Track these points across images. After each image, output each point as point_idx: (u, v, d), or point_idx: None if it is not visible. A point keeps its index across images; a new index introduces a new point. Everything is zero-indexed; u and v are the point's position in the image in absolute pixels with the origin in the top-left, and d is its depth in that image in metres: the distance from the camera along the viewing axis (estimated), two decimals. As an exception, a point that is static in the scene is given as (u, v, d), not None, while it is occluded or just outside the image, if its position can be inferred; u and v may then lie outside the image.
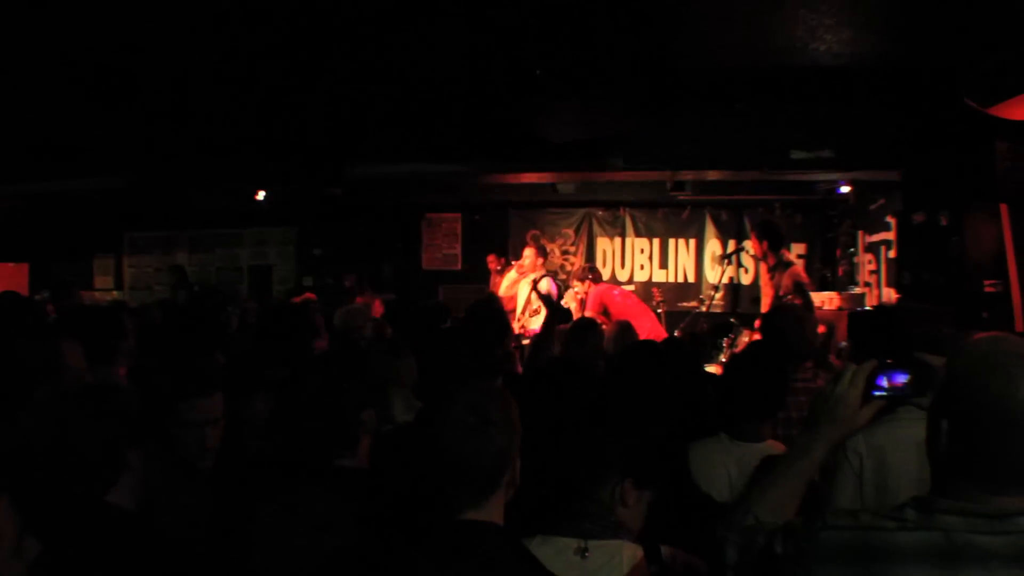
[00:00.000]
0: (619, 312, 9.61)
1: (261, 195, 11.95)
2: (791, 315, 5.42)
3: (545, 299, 7.90)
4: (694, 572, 2.72)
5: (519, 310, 10.01)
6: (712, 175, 10.71)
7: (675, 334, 9.46)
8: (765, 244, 8.80)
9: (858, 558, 1.92)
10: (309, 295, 10.52)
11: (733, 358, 4.95)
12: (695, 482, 3.69)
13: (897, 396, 2.15)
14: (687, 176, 10.78)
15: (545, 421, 2.83)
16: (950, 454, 1.91)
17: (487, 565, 2.08)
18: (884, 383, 2.14)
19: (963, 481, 1.89)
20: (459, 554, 2.09)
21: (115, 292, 14.71)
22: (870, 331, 6.02)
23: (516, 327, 9.30)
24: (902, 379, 2.13)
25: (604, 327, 6.91)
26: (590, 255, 13.97)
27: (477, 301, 6.57)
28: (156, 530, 2.40)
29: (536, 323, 9.58)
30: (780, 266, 8.80)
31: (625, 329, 6.85)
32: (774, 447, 3.78)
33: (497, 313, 5.77)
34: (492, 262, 12.38)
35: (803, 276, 9.08)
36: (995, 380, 1.83)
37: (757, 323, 8.25)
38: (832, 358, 7.74)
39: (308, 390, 2.81)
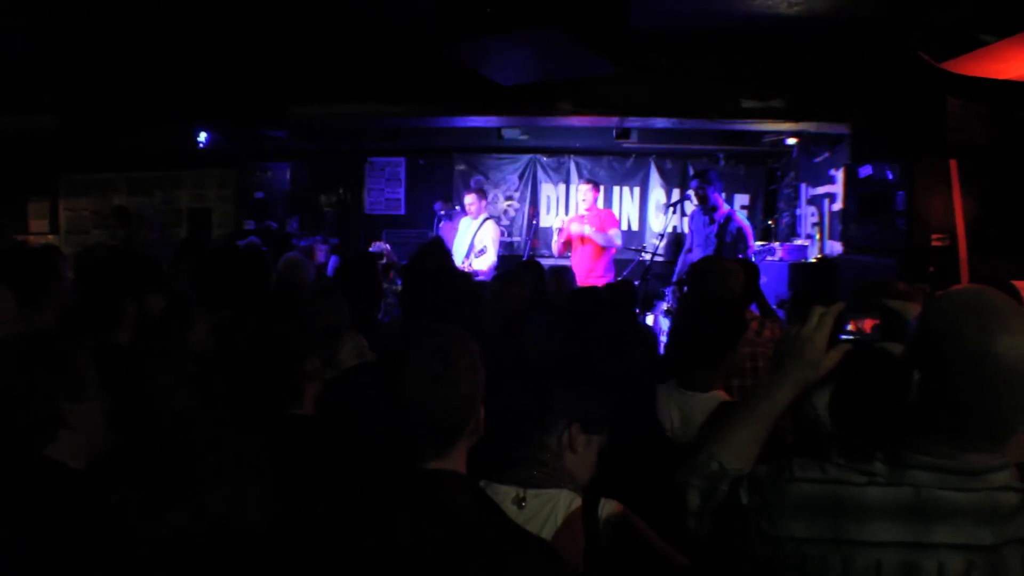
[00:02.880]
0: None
1: (201, 136, 11.70)
2: (712, 266, 5.41)
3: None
4: (630, 531, 2.68)
5: (463, 253, 10.00)
6: (660, 122, 10.64)
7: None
8: (704, 190, 8.90)
9: (826, 512, 1.89)
10: (252, 238, 10.37)
11: (680, 306, 4.92)
12: (662, 426, 3.67)
13: (864, 340, 2.10)
14: (634, 123, 10.72)
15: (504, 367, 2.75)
16: (920, 407, 1.86)
17: (450, 514, 2.01)
18: (852, 327, 2.10)
19: (933, 436, 1.87)
20: (422, 503, 2.01)
21: (50, 236, 14.39)
22: (812, 282, 6.03)
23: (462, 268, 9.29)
24: (870, 324, 2.09)
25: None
26: (534, 201, 13.90)
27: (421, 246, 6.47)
28: (97, 488, 2.26)
29: (482, 264, 9.57)
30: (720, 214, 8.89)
31: (560, 275, 6.83)
32: (721, 397, 3.77)
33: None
34: (439, 208, 12.26)
35: (747, 226, 9.13)
36: (972, 333, 1.79)
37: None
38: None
39: (245, 339, 2.70)
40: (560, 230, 10.31)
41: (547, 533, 2.53)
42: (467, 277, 4.51)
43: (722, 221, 9.17)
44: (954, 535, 1.82)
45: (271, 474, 2.22)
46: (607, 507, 2.70)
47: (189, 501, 2.00)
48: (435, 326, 2.19)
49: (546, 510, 2.58)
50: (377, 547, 1.97)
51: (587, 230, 9.79)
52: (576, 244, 10.08)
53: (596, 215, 10.14)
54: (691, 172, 13.49)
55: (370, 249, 9.95)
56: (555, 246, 10.38)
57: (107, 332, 3.91)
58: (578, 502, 2.60)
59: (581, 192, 10.34)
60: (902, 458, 1.89)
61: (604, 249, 9.87)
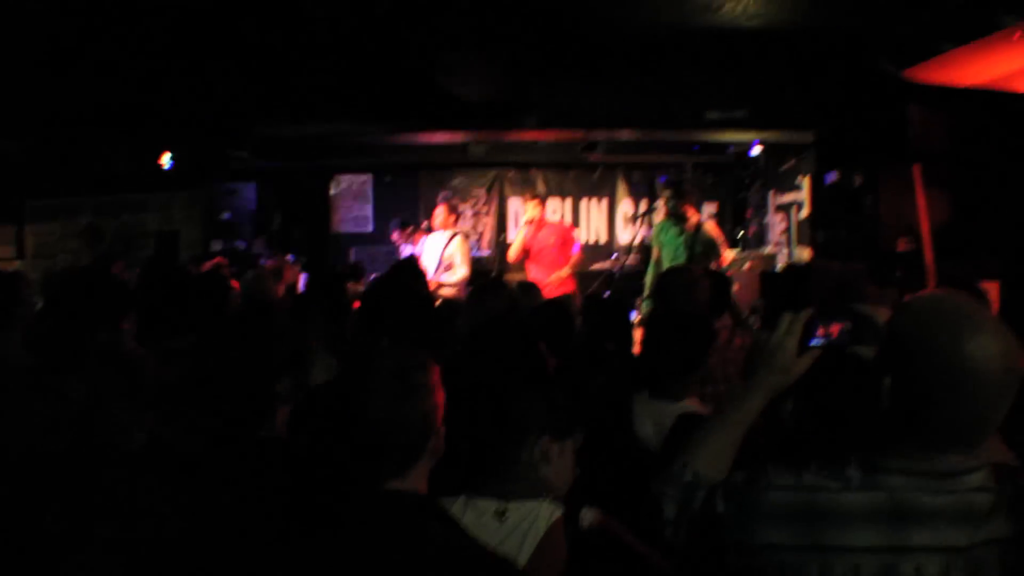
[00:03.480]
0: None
1: (166, 158, 11.64)
2: (678, 279, 5.42)
3: None
4: (613, 536, 2.68)
5: (432, 268, 9.94)
6: (625, 135, 10.68)
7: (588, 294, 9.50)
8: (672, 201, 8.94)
9: (803, 519, 1.89)
10: (219, 259, 10.29)
11: (651, 317, 4.93)
12: (636, 435, 3.67)
13: (834, 345, 2.10)
14: (599, 136, 10.75)
15: (470, 383, 2.74)
16: (893, 412, 1.86)
17: (411, 536, 1.99)
18: (821, 332, 2.10)
19: (906, 440, 1.87)
20: (382, 525, 2.00)
21: (16, 262, 14.24)
22: (783, 289, 6.06)
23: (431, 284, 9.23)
24: (839, 328, 2.09)
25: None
26: (501, 215, 13.90)
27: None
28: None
29: (451, 278, 9.56)
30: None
31: (528, 289, 6.83)
32: (692, 406, 3.78)
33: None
34: (397, 238, 12.17)
35: (718, 234, 9.17)
36: (943, 337, 1.79)
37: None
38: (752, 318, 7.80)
39: (213, 362, 2.68)
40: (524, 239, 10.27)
41: (529, 544, 2.52)
42: (427, 295, 4.45)
43: (692, 232, 9.18)
44: (931, 538, 1.82)
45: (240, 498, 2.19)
46: (589, 515, 2.70)
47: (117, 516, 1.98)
48: (395, 347, 2.20)
49: (527, 521, 2.57)
50: (337, 569, 1.96)
51: (563, 273, 9.82)
52: (535, 255, 10.07)
53: (556, 229, 10.14)
54: (662, 181, 13.58)
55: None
56: (514, 252, 10.34)
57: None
58: (559, 512, 2.60)
59: (528, 208, 10.28)
60: (876, 463, 1.89)
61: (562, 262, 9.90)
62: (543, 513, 2.58)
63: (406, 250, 11.72)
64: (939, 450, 1.85)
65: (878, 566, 1.84)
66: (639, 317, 9.13)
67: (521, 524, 2.56)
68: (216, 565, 2.30)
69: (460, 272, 9.96)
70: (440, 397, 2.16)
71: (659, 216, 9.75)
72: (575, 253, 10.00)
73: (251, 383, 2.59)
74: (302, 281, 9.93)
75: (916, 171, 7.60)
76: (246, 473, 2.48)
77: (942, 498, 1.84)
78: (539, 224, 10.08)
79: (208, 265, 9.34)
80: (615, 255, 12.56)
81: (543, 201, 10.40)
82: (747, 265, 10.16)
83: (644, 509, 2.20)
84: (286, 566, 2.01)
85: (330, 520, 2.07)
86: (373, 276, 9.66)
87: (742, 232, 12.89)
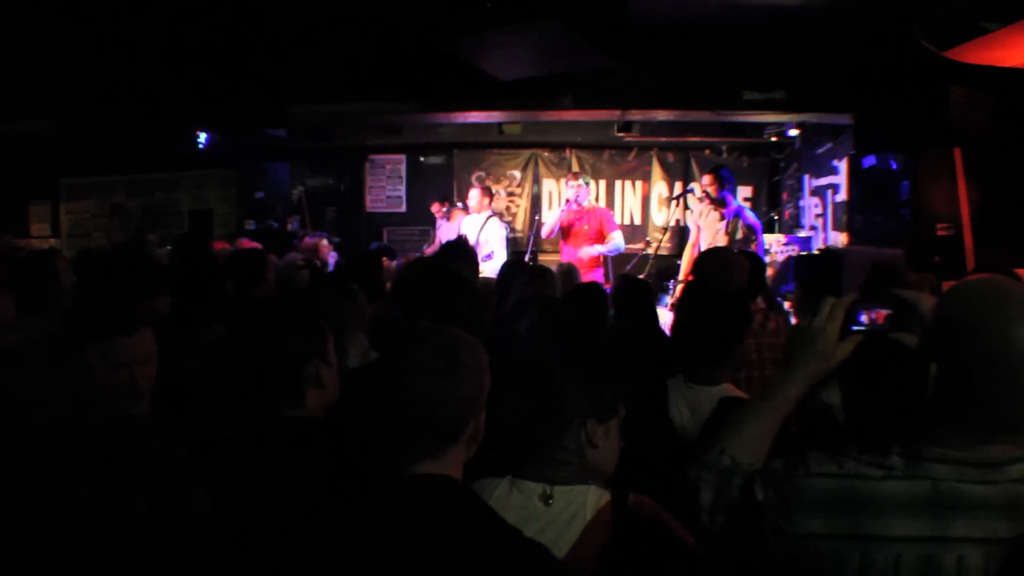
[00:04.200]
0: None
1: (201, 137, 11.68)
2: (718, 258, 5.37)
3: None
4: (659, 522, 2.65)
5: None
6: (662, 115, 10.62)
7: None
8: (716, 186, 8.86)
9: (843, 507, 1.86)
10: (246, 242, 10.30)
11: (685, 299, 4.88)
12: (672, 421, 3.64)
13: (877, 331, 2.07)
14: (635, 116, 10.70)
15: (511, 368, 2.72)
16: (937, 399, 1.83)
17: (440, 520, 1.96)
18: (864, 318, 2.07)
19: (950, 428, 1.83)
20: (411, 507, 1.97)
21: (52, 239, 14.37)
22: (818, 273, 6.00)
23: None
24: (883, 315, 2.06)
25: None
26: (536, 195, 13.88)
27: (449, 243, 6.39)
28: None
29: (489, 267, 9.50)
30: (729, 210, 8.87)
31: (568, 272, 6.81)
32: (729, 390, 3.74)
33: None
34: (436, 210, 12.23)
35: (756, 223, 9.11)
36: (991, 325, 1.76)
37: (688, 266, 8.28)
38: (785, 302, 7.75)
39: (239, 347, 2.68)
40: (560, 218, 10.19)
41: (576, 528, 2.50)
42: (469, 279, 4.38)
43: (731, 218, 9.12)
44: (973, 528, 1.79)
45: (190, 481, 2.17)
46: (637, 502, 2.68)
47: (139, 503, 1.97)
48: (444, 327, 2.17)
49: (574, 506, 2.55)
50: (363, 551, 1.94)
51: (596, 250, 9.67)
52: (571, 236, 9.97)
53: (594, 214, 10.01)
54: (694, 165, 13.52)
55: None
56: (547, 229, 10.24)
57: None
58: (606, 497, 2.57)
59: (571, 189, 10.13)
60: (919, 451, 1.85)
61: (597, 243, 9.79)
62: (590, 499, 2.56)
63: (442, 226, 11.73)
64: (984, 439, 1.81)
65: (919, 556, 1.81)
66: (673, 300, 9.11)
67: (568, 508, 2.54)
68: (243, 541, 2.30)
69: (496, 254, 9.94)
70: (486, 381, 2.12)
71: (698, 199, 9.65)
72: (613, 232, 9.83)
73: (278, 366, 2.58)
74: (331, 260, 9.94)
75: (956, 155, 7.50)
76: (272, 452, 2.48)
77: (986, 488, 1.80)
78: (579, 210, 9.93)
79: (237, 243, 9.35)
80: (648, 238, 12.52)
81: (586, 184, 10.23)
82: (781, 252, 10.11)
83: (680, 494, 2.17)
84: (308, 548, 2.00)
85: (354, 501, 2.06)
86: (404, 257, 9.66)
87: (776, 215, 12.79)
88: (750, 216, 9.21)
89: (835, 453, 1.93)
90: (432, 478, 2.02)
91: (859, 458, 1.90)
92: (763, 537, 1.94)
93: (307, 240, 10.43)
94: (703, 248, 9.13)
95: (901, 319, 2.04)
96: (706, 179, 9.32)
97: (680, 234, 12.55)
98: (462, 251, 5.42)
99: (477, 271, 5.49)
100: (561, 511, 2.54)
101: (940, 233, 7.50)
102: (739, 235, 8.97)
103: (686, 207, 13.06)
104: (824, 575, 1.87)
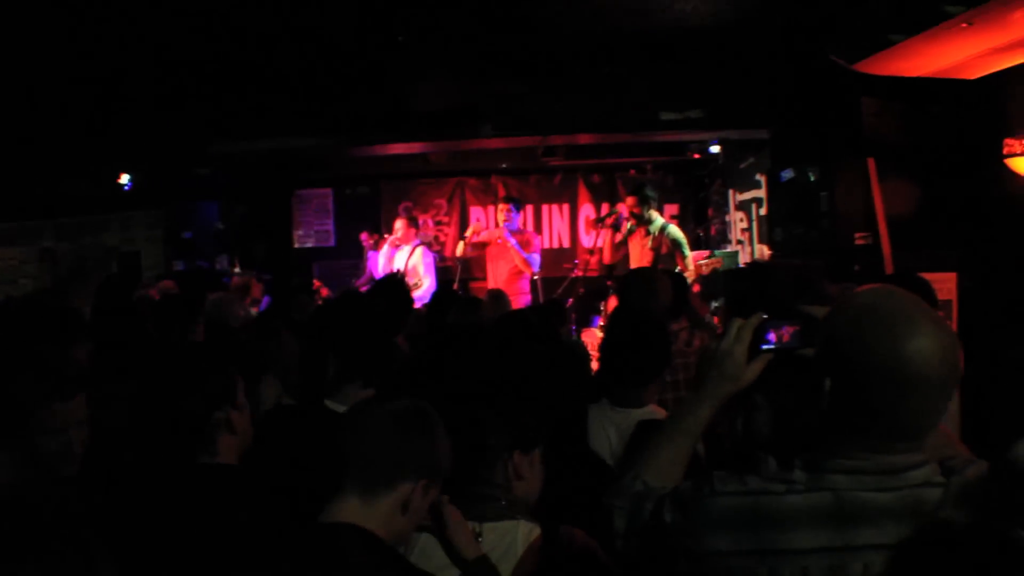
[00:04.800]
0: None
1: (124, 178, 11.55)
2: (639, 279, 5.42)
3: None
4: (590, 555, 2.66)
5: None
6: (582, 139, 10.70)
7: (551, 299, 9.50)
8: (639, 208, 8.95)
9: (748, 524, 1.88)
10: (167, 283, 10.17)
11: (609, 323, 4.91)
12: (591, 448, 3.64)
13: (785, 349, 2.09)
14: (557, 141, 10.76)
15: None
16: (834, 412, 1.86)
17: (337, 567, 1.98)
18: (772, 337, 2.10)
19: (849, 439, 1.87)
20: (317, 557, 1.98)
21: (-29, 288, 14.09)
22: (745, 288, 6.05)
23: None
24: (789, 332, 2.08)
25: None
26: (463, 223, 13.89)
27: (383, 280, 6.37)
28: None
29: (418, 295, 9.51)
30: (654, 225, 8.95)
31: (497, 297, 6.81)
32: (656, 412, 3.76)
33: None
34: (365, 240, 12.19)
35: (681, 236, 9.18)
36: (879, 338, 1.80)
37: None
38: (711, 317, 7.81)
39: (147, 396, 2.67)
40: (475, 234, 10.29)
41: (508, 565, 2.50)
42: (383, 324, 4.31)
43: (656, 234, 9.20)
44: (878, 535, 1.82)
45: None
46: (567, 533, 2.68)
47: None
48: (409, 398, 2.20)
49: (505, 542, 2.55)
50: None
51: (510, 242, 9.75)
52: (493, 259, 10.02)
53: (525, 237, 10.08)
54: (619, 186, 13.60)
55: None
56: (462, 246, 10.33)
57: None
58: (537, 531, 2.57)
59: (502, 212, 10.22)
60: (820, 464, 1.88)
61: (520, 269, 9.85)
62: (520, 533, 2.56)
63: (371, 257, 11.70)
64: (882, 448, 1.85)
65: (826, 567, 1.83)
66: (603, 321, 9.16)
67: (499, 545, 2.54)
68: None
69: (424, 284, 9.95)
70: (444, 450, 2.20)
71: (625, 219, 9.71)
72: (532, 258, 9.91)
73: (188, 414, 2.56)
74: (264, 303, 9.85)
75: (871, 164, 7.63)
76: (184, 500, 2.46)
77: (887, 495, 1.83)
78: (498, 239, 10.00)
79: (155, 290, 9.22)
80: (576, 260, 12.57)
81: (517, 208, 10.29)
82: (706, 265, 10.19)
83: (597, 521, 2.19)
84: None
85: (262, 548, 2.06)
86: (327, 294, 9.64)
87: (702, 231, 12.90)
88: (675, 231, 9.29)
89: (741, 471, 1.96)
90: (344, 527, 2.02)
91: (763, 475, 1.93)
92: (673, 558, 1.96)
93: (236, 280, 10.33)
94: (631, 267, 9.23)
95: (808, 335, 2.07)
96: (629, 200, 9.41)
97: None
98: (390, 287, 5.39)
99: (407, 306, 5.46)
100: (491, 548, 2.53)
101: (859, 242, 7.61)
102: (663, 250, 9.06)
103: (614, 228, 13.17)
104: (733, 592, 1.88)
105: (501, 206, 10.27)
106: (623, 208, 9.79)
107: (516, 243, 9.76)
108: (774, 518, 1.86)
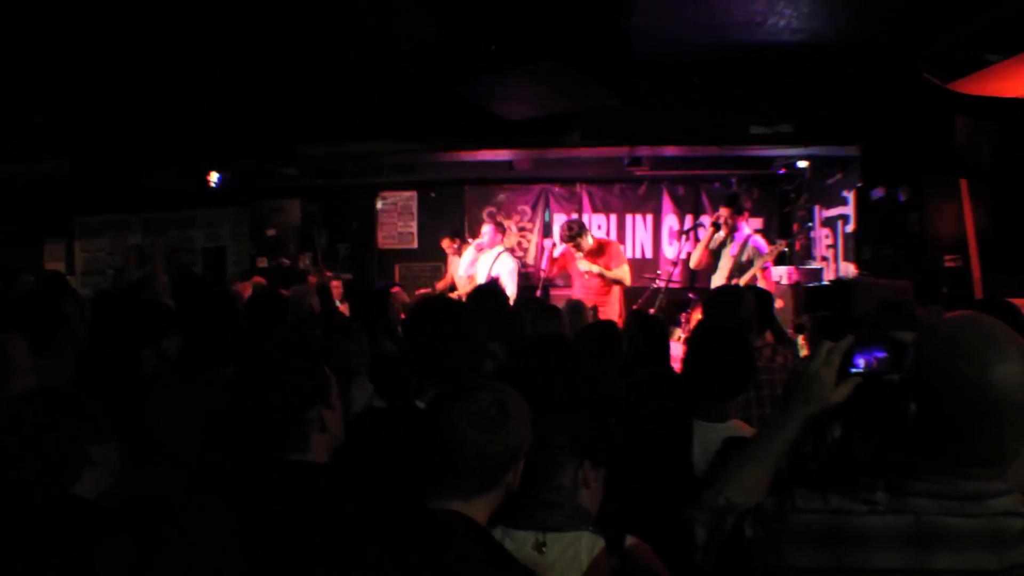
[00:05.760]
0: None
1: (214, 176, 11.78)
2: (723, 296, 5.40)
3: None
4: (654, 570, 2.67)
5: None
6: (670, 151, 10.67)
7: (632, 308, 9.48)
8: (728, 213, 8.94)
9: (829, 542, 1.89)
10: (257, 279, 10.37)
11: (694, 337, 4.90)
12: (694, 463, 3.63)
13: (874, 374, 2.09)
14: (643, 152, 10.75)
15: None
16: (919, 436, 1.87)
17: (452, 558, 2.00)
18: (861, 362, 2.09)
19: (932, 463, 1.87)
20: (428, 548, 2.02)
21: (67, 278, 14.45)
22: (829, 306, 5.99)
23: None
24: (879, 357, 2.08)
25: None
26: (547, 231, 13.91)
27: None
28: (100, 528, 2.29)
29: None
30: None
31: (575, 308, 6.81)
32: (739, 428, 3.74)
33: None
34: (447, 246, 12.25)
35: (762, 245, 9.13)
36: (967, 364, 1.79)
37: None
38: (791, 333, 7.74)
39: (244, 390, 2.72)
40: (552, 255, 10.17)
41: None
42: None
43: (743, 243, 9.17)
44: (956, 561, 1.82)
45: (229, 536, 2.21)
46: (633, 546, 2.69)
47: (175, 556, 2.00)
48: (489, 382, 2.23)
49: (569, 553, 2.55)
50: None
51: (592, 267, 9.60)
52: (578, 274, 9.92)
53: (604, 253, 9.88)
54: (704, 198, 13.55)
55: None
56: (544, 265, 10.28)
57: (123, 377, 3.95)
58: (601, 543, 2.58)
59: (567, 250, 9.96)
60: (903, 486, 1.89)
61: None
62: (584, 544, 2.56)
63: (453, 262, 11.76)
64: (965, 474, 1.85)
65: None
66: (684, 334, 9.13)
67: (563, 556, 2.54)
68: None
69: (508, 289, 9.95)
70: (529, 435, 2.21)
71: (712, 228, 9.66)
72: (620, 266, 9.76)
73: (282, 410, 2.61)
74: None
75: (963, 185, 7.53)
76: (280, 496, 2.51)
77: (968, 521, 1.84)
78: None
79: (247, 286, 9.38)
80: (659, 271, 12.52)
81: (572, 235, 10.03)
82: (792, 279, 10.12)
83: (678, 534, 2.20)
84: None
85: (379, 538, 2.10)
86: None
87: (785, 247, 12.78)
88: (758, 241, 9.24)
89: (824, 489, 1.96)
90: (455, 515, 2.08)
91: (845, 494, 1.93)
92: (752, 573, 1.97)
93: (313, 279, 10.49)
94: (716, 278, 9.20)
95: (898, 361, 2.06)
96: (724, 210, 9.37)
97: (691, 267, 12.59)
98: (488, 295, 5.41)
99: (503, 313, 5.47)
100: (556, 559, 2.54)
101: (948, 264, 7.52)
102: (744, 258, 9.02)
103: (697, 240, 13.12)
104: (812, 609, 1.89)
105: (561, 248, 10.05)
106: (714, 218, 9.72)
107: (597, 268, 9.58)
108: (855, 537, 1.87)
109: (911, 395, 1.88)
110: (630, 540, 2.72)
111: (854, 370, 2.10)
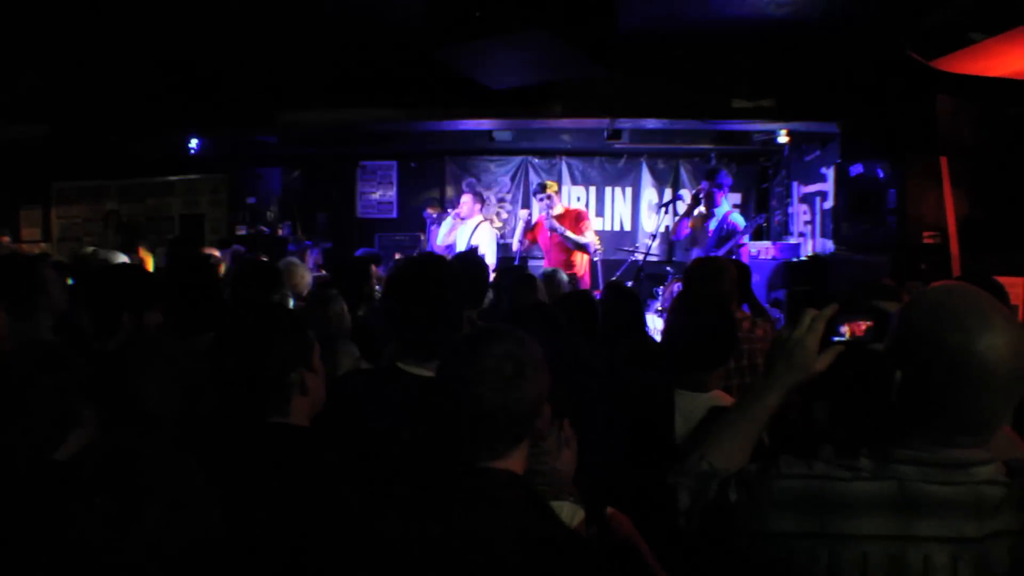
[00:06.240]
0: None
1: (193, 143, 11.71)
2: (705, 267, 5.42)
3: None
4: (632, 541, 2.68)
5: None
6: (651, 123, 10.67)
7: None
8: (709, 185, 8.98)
9: (813, 507, 1.91)
10: (237, 247, 10.33)
11: (676, 308, 4.92)
12: (675, 429, 3.65)
13: (856, 343, 2.10)
14: (625, 124, 10.75)
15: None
16: (904, 405, 1.88)
17: (505, 514, 2.03)
18: (844, 329, 2.11)
19: (917, 431, 1.89)
20: (476, 503, 2.05)
21: (43, 244, 14.36)
22: (806, 281, 6.03)
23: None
24: (863, 326, 2.09)
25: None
26: (526, 202, 13.91)
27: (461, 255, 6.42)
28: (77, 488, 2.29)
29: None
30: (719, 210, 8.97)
31: (550, 277, 6.82)
32: (721, 398, 3.77)
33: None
34: (431, 213, 12.24)
35: (738, 223, 9.16)
36: (952, 333, 1.81)
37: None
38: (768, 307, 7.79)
39: (223, 355, 2.70)
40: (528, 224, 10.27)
41: None
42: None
43: (720, 218, 9.20)
44: (939, 528, 1.84)
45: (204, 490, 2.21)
46: (613, 517, 2.70)
47: (156, 513, 2.00)
48: (498, 329, 2.21)
49: None
50: (426, 546, 2.00)
51: (558, 227, 9.64)
52: (547, 244, 9.95)
53: (566, 217, 9.96)
54: (683, 172, 13.58)
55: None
56: (515, 240, 10.35)
57: (102, 342, 3.94)
58: (582, 514, 2.56)
59: (539, 205, 10.13)
60: (887, 453, 1.91)
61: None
62: (565, 515, 2.52)
63: (432, 230, 11.75)
64: (949, 442, 1.86)
65: (886, 555, 1.85)
66: (661, 306, 9.18)
67: None
68: (256, 547, 2.33)
69: (490, 260, 9.94)
70: (547, 377, 2.17)
71: (683, 205, 9.71)
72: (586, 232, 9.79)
73: (265, 373, 2.60)
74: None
75: (943, 163, 7.56)
76: (264, 459, 2.51)
77: (952, 489, 1.85)
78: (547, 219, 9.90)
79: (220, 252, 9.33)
80: (637, 244, 12.55)
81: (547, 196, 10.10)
82: (769, 255, 10.17)
83: (660, 499, 2.21)
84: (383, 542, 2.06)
85: (415, 498, 2.11)
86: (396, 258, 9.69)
87: (764, 222, 12.83)
88: (736, 220, 9.26)
89: (807, 456, 1.98)
90: (498, 472, 2.09)
91: (829, 461, 1.95)
92: (736, 537, 1.99)
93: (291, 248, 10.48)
94: (693, 253, 9.23)
95: (881, 329, 2.08)
96: (704, 183, 9.42)
97: (669, 241, 12.62)
98: (470, 262, 5.41)
99: (484, 283, 5.48)
100: None
101: (926, 241, 7.55)
102: (722, 233, 9.07)
103: (675, 214, 13.14)
104: (794, 573, 1.91)
105: (536, 200, 10.17)
106: (696, 192, 9.75)
107: (562, 230, 9.63)
108: (839, 503, 1.89)
109: (896, 363, 1.90)
110: (609, 510, 2.73)
111: (837, 339, 2.12)
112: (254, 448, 2.55)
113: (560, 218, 9.80)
